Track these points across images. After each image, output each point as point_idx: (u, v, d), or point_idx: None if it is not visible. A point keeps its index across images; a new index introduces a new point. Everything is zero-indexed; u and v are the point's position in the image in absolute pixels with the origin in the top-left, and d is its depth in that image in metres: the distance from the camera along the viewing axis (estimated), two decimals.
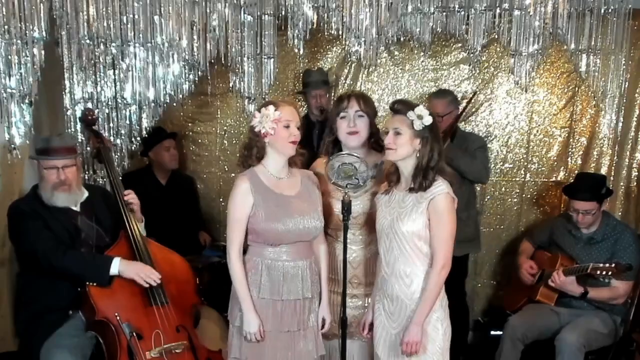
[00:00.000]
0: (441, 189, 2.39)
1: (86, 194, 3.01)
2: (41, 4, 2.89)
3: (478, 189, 4.30)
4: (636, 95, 4.12)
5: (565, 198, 4.27)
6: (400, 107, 2.43)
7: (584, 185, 3.55)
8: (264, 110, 2.47)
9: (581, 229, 3.54)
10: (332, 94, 4.25)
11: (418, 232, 2.42)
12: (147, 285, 2.77)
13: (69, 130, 3.49)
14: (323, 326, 2.65)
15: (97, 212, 3.00)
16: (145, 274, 2.76)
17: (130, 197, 2.98)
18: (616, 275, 3.29)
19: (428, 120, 2.37)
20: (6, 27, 2.85)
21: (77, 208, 2.95)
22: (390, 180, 2.54)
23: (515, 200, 4.37)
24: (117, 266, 2.74)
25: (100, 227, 2.98)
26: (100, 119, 3.47)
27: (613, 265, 3.25)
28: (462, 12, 3.37)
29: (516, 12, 3.30)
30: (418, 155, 2.41)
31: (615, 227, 3.52)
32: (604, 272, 3.27)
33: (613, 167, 4.21)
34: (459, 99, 4.20)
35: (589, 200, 3.45)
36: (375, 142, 2.71)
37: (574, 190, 3.55)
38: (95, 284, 2.73)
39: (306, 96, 4.13)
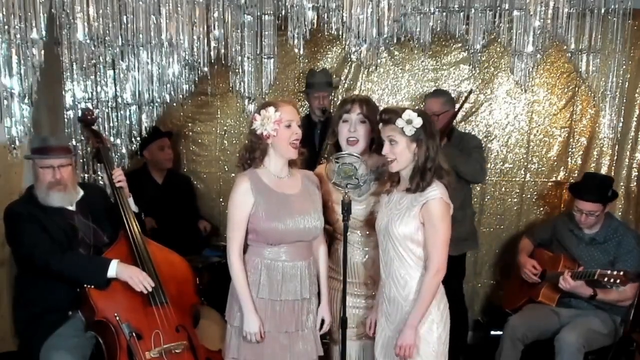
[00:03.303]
0: (434, 193, 2.37)
1: (82, 193, 3.00)
2: (41, 4, 2.89)
3: (478, 188, 4.31)
4: (636, 95, 4.12)
5: (566, 198, 4.29)
6: (388, 116, 2.41)
7: (590, 185, 3.51)
8: (264, 112, 2.46)
9: (583, 229, 3.53)
10: (334, 94, 4.25)
11: (411, 236, 2.41)
12: (139, 289, 2.74)
13: (69, 130, 3.49)
14: (322, 327, 2.65)
15: (94, 210, 2.99)
16: (139, 279, 2.74)
17: (119, 176, 2.96)
18: (624, 283, 3.24)
19: (418, 122, 2.36)
20: (6, 27, 2.85)
21: (72, 207, 2.94)
22: (392, 180, 2.54)
23: (515, 200, 4.37)
24: (114, 269, 2.74)
25: (98, 226, 2.97)
26: (100, 119, 3.47)
27: (622, 273, 3.21)
28: (462, 12, 3.37)
29: (516, 12, 3.29)
30: (416, 157, 2.40)
31: (617, 229, 3.50)
32: (611, 280, 3.23)
33: (613, 167, 4.21)
34: (459, 98, 4.21)
35: (595, 202, 3.42)
36: (377, 146, 2.69)
37: (580, 190, 3.52)
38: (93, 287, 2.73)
39: (308, 96, 4.13)
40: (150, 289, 2.76)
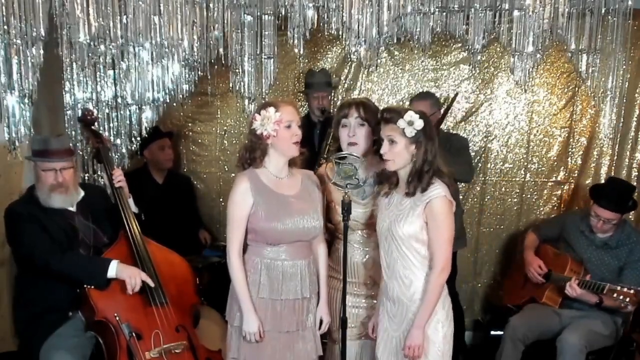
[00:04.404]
0: (438, 192, 2.37)
1: (82, 193, 3.00)
2: (41, 4, 2.89)
3: (478, 188, 4.32)
4: (636, 95, 4.12)
5: (566, 198, 4.29)
6: (390, 115, 2.39)
7: (613, 192, 3.44)
8: (264, 112, 2.46)
9: (596, 233, 3.50)
10: (333, 94, 4.24)
11: (415, 235, 2.41)
12: (130, 292, 2.74)
13: (69, 130, 3.49)
14: (320, 326, 2.65)
15: (94, 211, 2.99)
16: (137, 280, 2.73)
17: (119, 177, 2.96)
18: (634, 303, 3.20)
19: (419, 124, 2.35)
20: (6, 27, 2.85)
21: (73, 208, 2.94)
22: (390, 182, 2.53)
23: (515, 200, 4.37)
24: (114, 269, 2.74)
25: (98, 227, 2.97)
26: (100, 119, 3.47)
27: (632, 292, 3.17)
28: (462, 12, 3.37)
29: (516, 12, 3.29)
30: (414, 159, 2.39)
31: (630, 235, 3.45)
32: (621, 297, 3.20)
33: (613, 167, 4.21)
34: (460, 99, 4.21)
35: (614, 211, 3.38)
36: (377, 148, 2.68)
37: (601, 196, 3.44)
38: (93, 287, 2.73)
39: (307, 96, 4.13)
40: (140, 285, 2.74)
